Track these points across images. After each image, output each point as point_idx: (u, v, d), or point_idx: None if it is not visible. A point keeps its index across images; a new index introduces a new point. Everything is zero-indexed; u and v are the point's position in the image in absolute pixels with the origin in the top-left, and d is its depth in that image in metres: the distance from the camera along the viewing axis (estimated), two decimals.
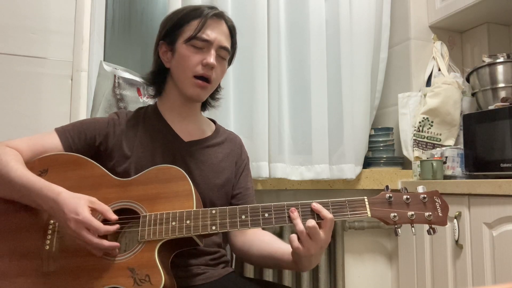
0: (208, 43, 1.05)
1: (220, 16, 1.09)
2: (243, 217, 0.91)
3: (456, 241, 1.48)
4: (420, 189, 0.93)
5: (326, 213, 0.89)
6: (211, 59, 1.04)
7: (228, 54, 1.11)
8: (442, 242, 1.56)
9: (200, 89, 1.07)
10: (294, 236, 0.89)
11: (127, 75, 1.53)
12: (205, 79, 1.06)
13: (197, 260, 1.06)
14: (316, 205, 0.89)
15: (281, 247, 1.01)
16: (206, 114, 1.26)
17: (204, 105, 1.21)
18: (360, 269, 1.93)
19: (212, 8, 1.09)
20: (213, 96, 1.19)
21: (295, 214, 0.89)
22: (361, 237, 1.93)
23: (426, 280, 1.63)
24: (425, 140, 1.90)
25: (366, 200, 0.91)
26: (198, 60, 1.05)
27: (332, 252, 1.80)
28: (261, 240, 1.08)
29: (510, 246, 1.32)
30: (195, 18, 1.06)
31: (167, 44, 1.10)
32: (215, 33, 1.06)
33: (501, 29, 2.01)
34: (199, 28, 1.04)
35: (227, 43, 1.09)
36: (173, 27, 1.08)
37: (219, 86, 1.18)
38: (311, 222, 0.87)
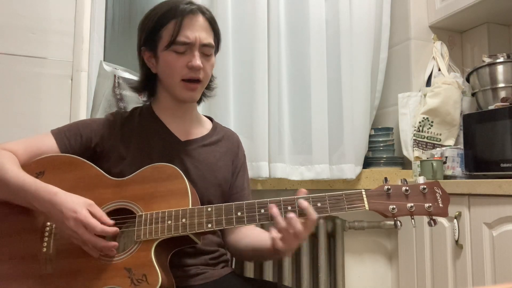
0: (190, 44, 1.01)
1: (195, 11, 1.03)
2: (239, 214, 0.91)
3: (456, 241, 1.48)
4: (421, 180, 0.91)
5: (310, 214, 0.88)
6: (196, 61, 1.01)
7: (212, 48, 1.06)
8: (442, 242, 1.56)
9: (191, 91, 1.05)
10: (275, 235, 0.88)
11: (127, 75, 1.53)
12: (194, 80, 1.04)
13: (196, 259, 1.05)
14: (303, 204, 0.88)
15: (263, 239, 1.00)
16: (206, 112, 1.25)
17: (200, 98, 1.17)
18: (360, 269, 1.93)
19: (187, 3, 1.03)
20: (208, 86, 1.16)
21: (275, 210, 0.88)
22: (361, 237, 1.93)
23: (426, 280, 1.63)
24: (425, 140, 1.90)
25: (363, 192, 0.90)
26: (183, 64, 1.02)
27: (332, 252, 1.80)
28: (247, 234, 1.09)
29: (510, 246, 1.32)
30: (170, 20, 1.02)
31: (149, 50, 1.07)
32: (195, 32, 1.01)
33: (501, 29, 2.01)
34: (177, 31, 1.00)
35: (209, 39, 1.05)
36: (151, 33, 1.05)
37: (212, 76, 1.14)
38: (297, 227, 0.86)
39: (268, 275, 1.67)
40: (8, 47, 1.44)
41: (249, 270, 1.65)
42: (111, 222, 0.90)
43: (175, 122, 1.12)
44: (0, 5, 1.44)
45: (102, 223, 0.89)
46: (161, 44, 1.03)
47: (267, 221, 0.90)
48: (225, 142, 1.18)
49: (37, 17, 1.48)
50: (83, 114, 1.52)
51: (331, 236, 1.80)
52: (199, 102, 1.20)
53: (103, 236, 0.88)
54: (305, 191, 0.92)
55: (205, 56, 1.05)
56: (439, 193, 0.90)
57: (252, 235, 1.08)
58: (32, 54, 1.47)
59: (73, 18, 1.52)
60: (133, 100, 1.52)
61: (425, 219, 0.91)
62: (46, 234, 0.93)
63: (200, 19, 1.04)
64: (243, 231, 1.11)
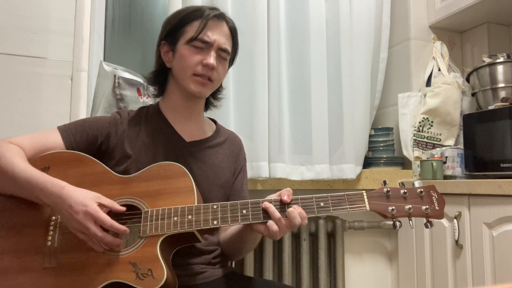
0: (208, 44, 1.07)
1: (221, 17, 1.10)
2: (244, 211, 0.92)
3: (456, 241, 1.48)
4: (417, 183, 0.96)
5: (273, 213, 0.91)
6: (211, 59, 1.06)
7: (228, 55, 1.12)
8: (442, 242, 1.56)
9: (202, 86, 1.08)
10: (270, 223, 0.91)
11: (127, 75, 1.53)
12: (206, 77, 1.08)
13: (197, 259, 1.06)
14: (293, 211, 0.91)
15: (238, 226, 1.04)
16: (206, 113, 1.26)
17: (207, 105, 1.22)
18: (360, 269, 1.93)
19: (213, 9, 1.10)
20: (215, 96, 1.21)
21: (267, 203, 0.92)
22: (361, 237, 1.93)
23: (426, 280, 1.63)
24: (425, 140, 1.90)
25: (364, 194, 0.94)
26: (198, 60, 1.06)
27: (332, 252, 1.80)
28: (225, 229, 1.14)
29: (510, 246, 1.32)
30: (196, 19, 1.07)
31: (168, 45, 1.11)
32: (216, 35, 1.07)
33: (501, 29, 2.01)
34: (200, 30, 1.06)
35: (227, 45, 1.10)
36: (175, 28, 1.09)
37: (220, 86, 1.19)
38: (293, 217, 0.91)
39: (268, 274, 1.67)
40: (8, 47, 1.44)
41: (249, 270, 1.65)
42: (123, 209, 0.92)
43: (181, 123, 1.14)
44: (0, 5, 1.44)
45: (113, 210, 0.91)
46: (182, 38, 1.08)
47: (271, 219, 0.91)
48: (228, 144, 1.19)
49: (37, 17, 1.48)
50: (83, 114, 1.52)
51: (331, 236, 1.80)
52: (206, 109, 1.23)
53: (107, 231, 0.89)
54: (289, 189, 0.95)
55: (220, 59, 1.10)
56: (435, 196, 0.95)
57: (229, 228, 1.13)
58: (32, 54, 1.47)
59: (73, 18, 1.52)
60: (133, 100, 1.52)
61: (422, 221, 0.95)
62: (51, 228, 0.94)
63: (224, 26, 1.11)
64: (225, 228, 1.14)
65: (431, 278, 1.62)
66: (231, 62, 1.18)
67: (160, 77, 1.15)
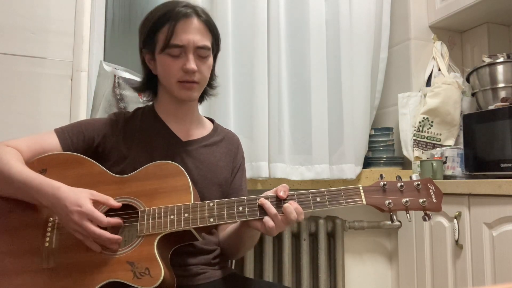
0: (183, 47, 1.02)
1: (189, 15, 1.04)
2: (241, 208, 0.92)
3: (456, 241, 1.48)
4: (414, 177, 0.96)
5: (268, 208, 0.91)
6: (190, 64, 1.02)
7: (208, 50, 1.06)
8: (442, 242, 1.56)
9: (188, 90, 1.06)
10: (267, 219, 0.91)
11: (127, 75, 1.53)
12: (191, 81, 1.05)
13: (197, 259, 1.06)
14: (289, 207, 0.90)
15: (236, 224, 1.04)
16: (205, 112, 1.25)
17: (202, 96, 1.18)
18: (360, 269, 1.93)
19: (183, 6, 1.05)
20: (211, 85, 1.18)
21: (263, 199, 0.92)
22: (361, 237, 1.93)
23: (426, 280, 1.63)
24: (425, 140, 1.90)
25: (361, 188, 0.93)
26: (178, 67, 1.03)
27: (332, 252, 1.80)
28: (224, 228, 1.13)
29: (510, 246, 1.32)
30: (166, 23, 1.03)
31: (148, 52, 1.09)
32: (188, 35, 1.02)
33: (501, 29, 2.01)
34: (170, 35, 1.01)
35: (205, 41, 1.05)
36: (148, 36, 1.06)
37: (213, 74, 1.16)
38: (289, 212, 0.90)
39: (268, 275, 1.67)
40: (8, 47, 1.44)
41: (249, 270, 1.65)
42: (118, 204, 0.92)
43: (177, 123, 1.13)
44: (0, 5, 1.44)
45: (108, 206, 0.91)
46: (157, 47, 1.05)
47: (267, 216, 0.91)
48: (225, 143, 1.19)
49: (37, 17, 1.48)
50: (83, 114, 1.52)
51: (331, 236, 1.80)
52: (201, 101, 1.21)
53: (105, 229, 0.89)
54: (285, 185, 0.94)
55: (201, 58, 1.06)
56: (432, 189, 0.94)
57: (227, 226, 1.12)
58: (32, 54, 1.47)
59: (73, 18, 1.53)
60: (133, 100, 1.52)
61: (422, 221, 0.95)
62: (49, 229, 0.94)
63: (195, 22, 1.04)
64: (224, 227, 1.14)
65: (431, 278, 1.62)
66: (218, 50, 1.13)
67: (150, 84, 1.14)
